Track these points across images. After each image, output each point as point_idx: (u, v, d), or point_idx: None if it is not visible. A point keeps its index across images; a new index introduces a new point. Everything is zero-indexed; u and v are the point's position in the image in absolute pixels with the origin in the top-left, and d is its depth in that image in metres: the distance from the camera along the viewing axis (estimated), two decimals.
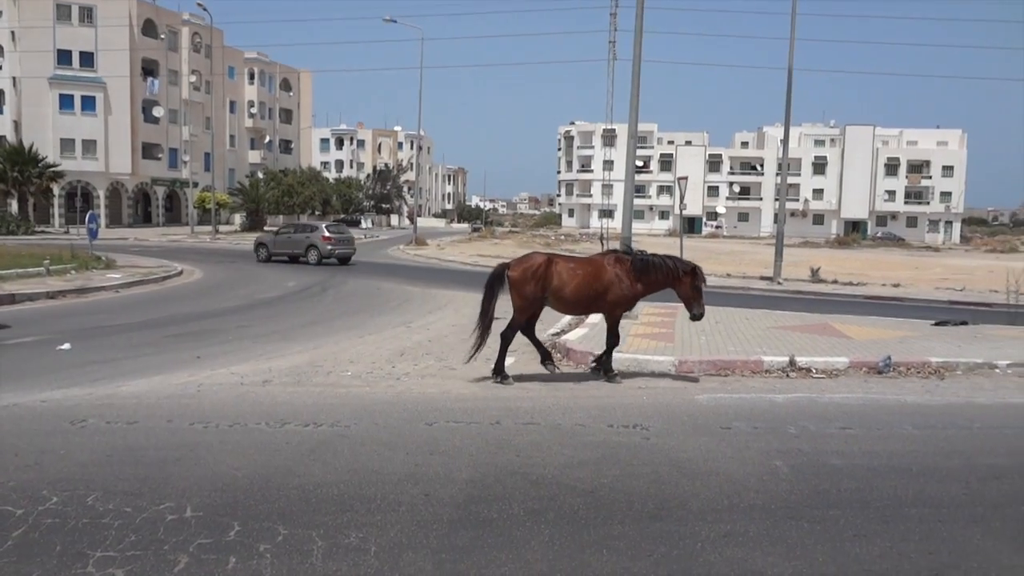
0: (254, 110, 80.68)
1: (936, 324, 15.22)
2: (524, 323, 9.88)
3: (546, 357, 10.05)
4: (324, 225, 33.44)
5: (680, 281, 9.80)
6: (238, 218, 69.39)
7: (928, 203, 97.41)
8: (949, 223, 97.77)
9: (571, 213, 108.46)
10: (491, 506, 5.38)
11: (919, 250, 68.59)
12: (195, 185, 64.94)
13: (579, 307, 10.12)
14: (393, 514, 5.19)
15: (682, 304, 10.20)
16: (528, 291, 9.57)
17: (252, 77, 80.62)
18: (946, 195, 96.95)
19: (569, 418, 7.84)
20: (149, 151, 66.47)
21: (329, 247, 31.04)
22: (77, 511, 5.09)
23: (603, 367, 9.96)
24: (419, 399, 8.62)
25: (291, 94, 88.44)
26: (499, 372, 9.71)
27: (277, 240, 32.51)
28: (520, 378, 9.89)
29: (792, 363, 10.67)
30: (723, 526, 5.13)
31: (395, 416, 7.80)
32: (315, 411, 7.90)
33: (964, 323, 15.55)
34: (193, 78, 70.23)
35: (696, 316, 9.94)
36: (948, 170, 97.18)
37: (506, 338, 9.80)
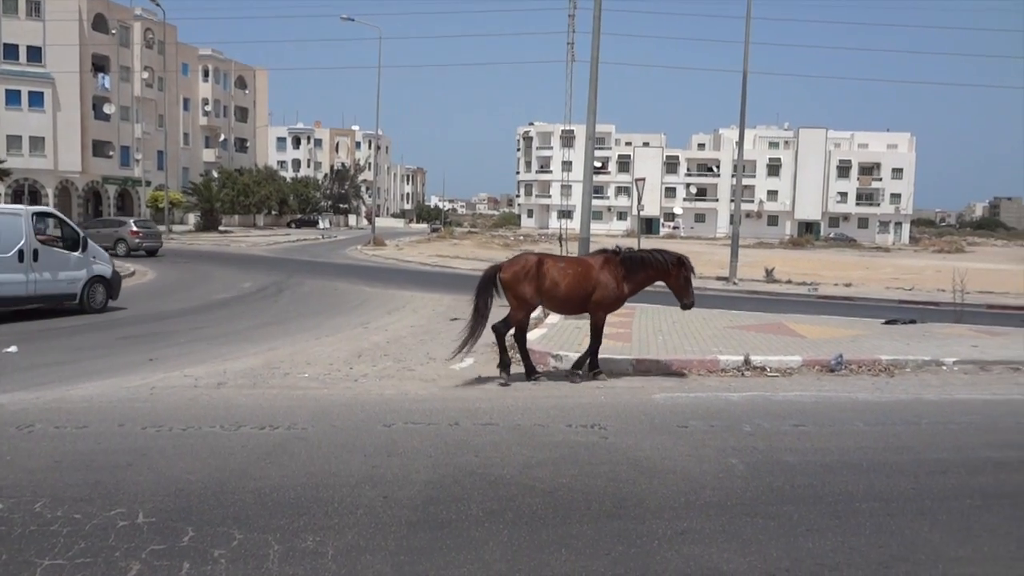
0: (208, 108, 79.39)
1: (886, 323, 15.57)
2: (527, 321, 9.90)
3: (505, 365, 10.04)
4: (132, 220, 36.46)
5: (669, 273, 9.94)
6: (192, 218, 68.23)
7: (879, 205, 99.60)
8: (899, 224, 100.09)
9: (530, 214, 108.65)
10: (450, 507, 5.37)
11: (870, 251, 70.09)
12: (148, 184, 63.75)
13: (570, 306, 10.10)
14: (351, 517, 5.15)
15: (639, 305, 10.30)
16: (521, 292, 9.56)
17: (206, 74, 79.31)
18: (896, 197, 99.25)
19: (528, 418, 7.85)
20: (100, 149, 64.97)
21: (137, 240, 34.04)
22: (24, 518, 4.95)
23: (589, 367, 10.00)
24: (377, 401, 8.57)
25: (247, 92, 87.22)
26: (531, 373, 9.79)
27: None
28: (479, 380, 9.89)
29: (747, 362, 10.83)
30: (680, 523, 5.19)
31: (353, 418, 7.74)
32: (271, 414, 7.80)
33: (913, 322, 15.94)
34: (145, 75, 68.83)
35: (687, 306, 10.12)
36: (898, 172, 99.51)
37: (520, 341, 9.86)
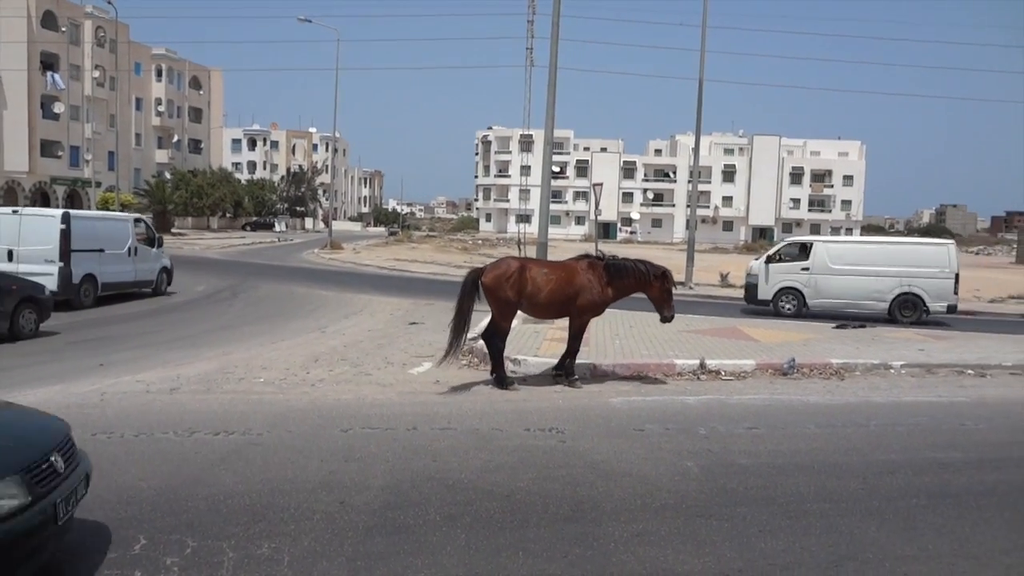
0: (162, 108, 77.92)
1: (837, 327, 15.91)
2: (508, 328, 9.85)
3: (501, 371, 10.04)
4: None
5: (651, 285, 10.00)
6: None
7: (830, 211, 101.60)
8: (850, 230, 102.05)
9: (488, 218, 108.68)
10: (407, 512, 5.36)
11: None
12: (98, 185, 62.24)
13: (551, 311, 10.11)
14: (307, 523, 5.11)
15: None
16: (503, 296, 9.55)
17: (160, 74, 77.84)
18: (847, 203, 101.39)
19: (486, 422, 7.87)
20: (48, 149, 63.34)
21: None
22: None
23: (566, 371, 9.99)
24: (334, 405, 8.51)
25: (201, 92, 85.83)
26: (501, 380, 9.69)
27: None
28: (437, 384, 9.88)
29: (703, 366, 10.98)
30: (636, 526, 5.25)
31: (309, 423, 7.68)
32: (225, 419, 7.70)
33: (862, 326, 16.32)
34: (97, 74, 67.29)
35: (667, 318, 10.15)
36: (848, 179, 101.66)
37: (497, 347, 9.78)
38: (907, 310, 18.78)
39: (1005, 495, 6.19)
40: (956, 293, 18.94)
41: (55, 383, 9.31)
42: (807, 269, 19.36)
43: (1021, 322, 19.05)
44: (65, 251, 16.74)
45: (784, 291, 19.59)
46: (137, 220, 20.73)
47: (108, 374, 9.95)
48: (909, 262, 19.02)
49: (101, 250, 17.94)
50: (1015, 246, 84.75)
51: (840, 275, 19.10)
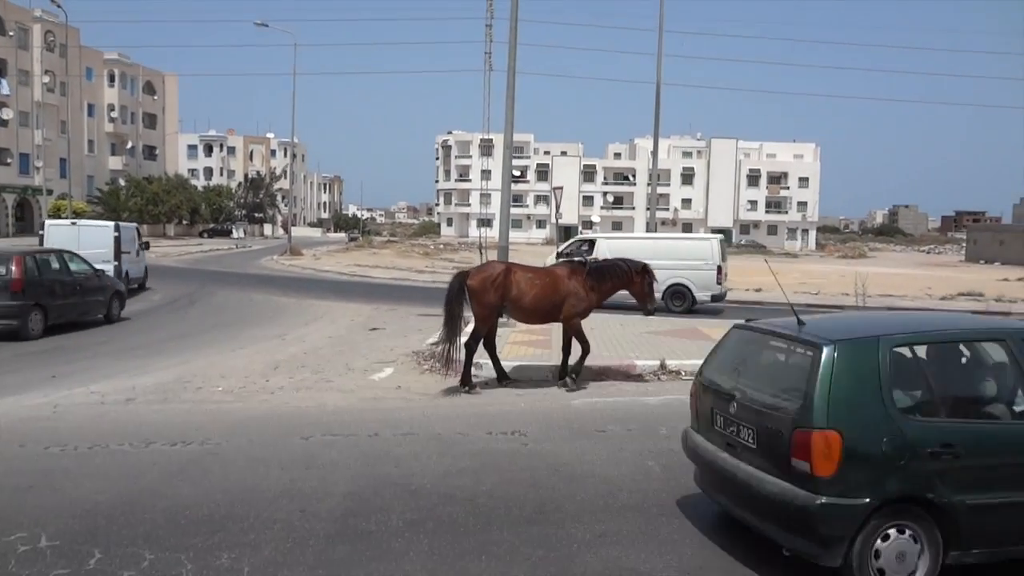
0: (115, 114, 76.43)
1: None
2: (485, 333, 9.90)
3: (502, 376, 10.15)
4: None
5: (633, 281, 10.20)
6: None
7: (786, 212, 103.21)
8: (806, 231, 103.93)
9: (449, 222, 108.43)
10: (369, 519, 5.32)
11: (779, 256, 72.53)
12: (49, 193, 60.84)
13: (537, 316, 10.21)
14: (267, 532, 5.05)
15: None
16: (487, 300, 9.62)
17: (112, 79, 76.37)
18: (802, 205, 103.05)
19: (448, 427, 7.85)
20: None
21: None
22: None
23: (572, 369, 10.11)
24: (294, 413, 8.43)
25: (155, 98, 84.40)
26: (466, 382, 9.74)
27: None
28: (398, 389, 9.84)
29: (663, 366, 11.08)
30: (599, 527, 5.28)
31: (269, 431, 7.59)
32: (183, 429, 7.58)
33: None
34: (47, 79, 65.80)
35: (650, 312, 10.47)
36: (804, 181, 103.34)
37: (470, 348, 9.84)
38: (677, 300, 19.90)
39: None
40: (720, 284, 20.05)
41: (6, 395, 9.08)
42: None
43: None
44: (117, 253, 20.62)
45: None
46: (136, 227, 24.50)
47: (60, 385, 9.73)
48: (679, 256, 20.01)
49: (128, 252, 21.72)
50: (964, 245, 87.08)
51: None
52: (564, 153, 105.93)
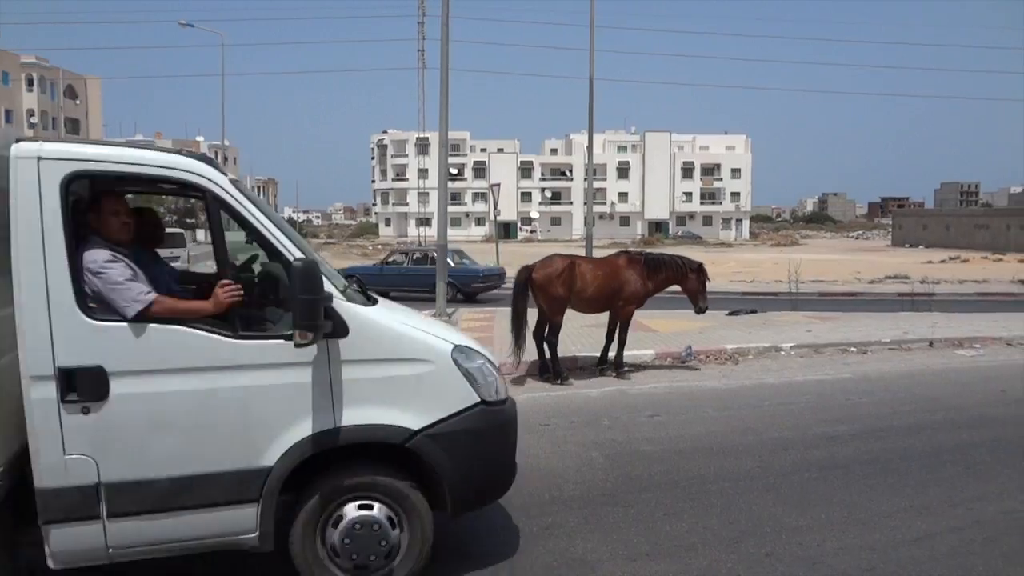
0: (35, 120, 73.74)
1: (730, 314, 16.50)
2: (560, 322, 10.07)
3: (545, 370, 10.16)
4: None
5: (687, 277, 10.50)
6: None
7: (720, 203, 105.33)
8: (739, 221, 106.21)
9: (388, 222, 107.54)
10: None
11: (715, 247, 73.96)
12: None
13: (597, 305, 10.40)
14: None
15: (500, 309, 10.46)
16: (556, 293, 9.83)
17: (31, 83, 73.69)
18: (735, 195, 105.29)
19: None
20: None
21: None
22: None
23: (615, 364, 10.38)
24: None
25: (78, 102, 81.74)
26: (559, 375, 9.95)
27: None
28: None
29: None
30: (545, 519, 5.32)
31: None
32: None
33: (754, 311, 16.99)
34: None
35: (701, 309, 10.74)
36: (736, 172, 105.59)
37: (552, 344, 10.01)
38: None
39: (887, 462, 6.58)
40: None
41: None
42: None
43: (897, 300, 20.21)
44: None
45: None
46: None
47: None
48: None
49: None
50: (890, 230, 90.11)
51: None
52: (501, 150, 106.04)
